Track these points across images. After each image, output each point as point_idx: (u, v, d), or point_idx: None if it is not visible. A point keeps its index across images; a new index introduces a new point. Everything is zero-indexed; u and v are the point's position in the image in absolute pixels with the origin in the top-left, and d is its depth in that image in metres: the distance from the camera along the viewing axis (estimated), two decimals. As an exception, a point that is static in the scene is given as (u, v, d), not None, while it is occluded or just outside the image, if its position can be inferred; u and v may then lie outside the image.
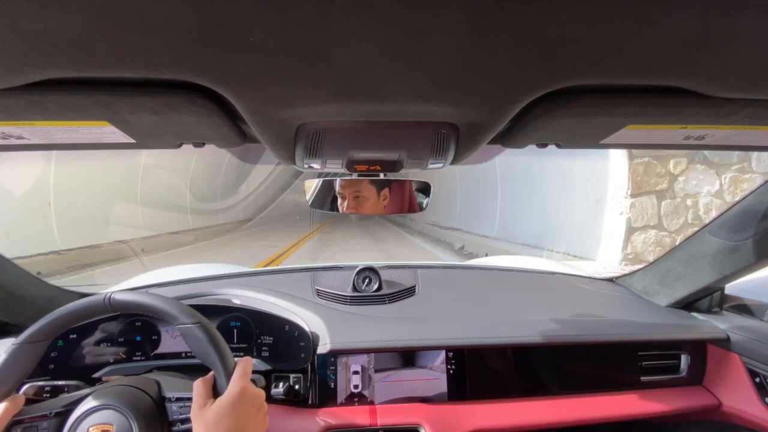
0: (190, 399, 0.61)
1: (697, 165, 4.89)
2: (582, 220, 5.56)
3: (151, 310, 0.65)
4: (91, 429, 0.59)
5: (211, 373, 0.63)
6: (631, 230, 4.84)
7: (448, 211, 11.10)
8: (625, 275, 1.26)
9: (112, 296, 0.64)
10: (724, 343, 0.98)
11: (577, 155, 5.31)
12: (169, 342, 0.92)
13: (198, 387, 0.61)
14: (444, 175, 10.92)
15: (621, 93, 0.43)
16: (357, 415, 0.89)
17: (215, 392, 0.61)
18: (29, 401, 0.64)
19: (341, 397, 0.91)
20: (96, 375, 0.87)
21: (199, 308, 0.68)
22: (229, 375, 0.61)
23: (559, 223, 6.15)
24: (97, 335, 0.89)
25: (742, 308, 1.07)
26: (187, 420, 0.62)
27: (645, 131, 0.53)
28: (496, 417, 0.91)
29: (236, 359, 0.64)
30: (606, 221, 5.11)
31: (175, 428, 0.63)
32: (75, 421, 0.60)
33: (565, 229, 5.94)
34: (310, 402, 0.90)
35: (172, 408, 0.64)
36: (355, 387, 0.92)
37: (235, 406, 0.58)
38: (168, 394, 0.65)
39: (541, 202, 6.77)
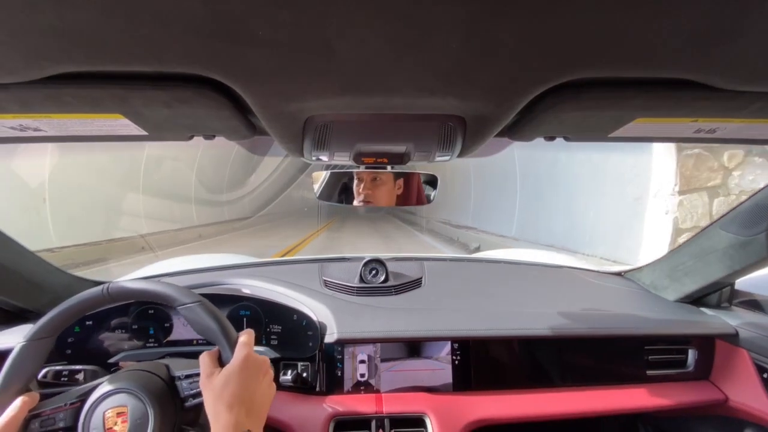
0: (198, 374, 0.63)
1: (755, 158, 4.07)
2: (618, 220, 4.87)
3: (149, 295, 0.67)
4: (107, 412, 0.61)
5: (217, 347, 0.65)
6: (678, 231, 4.09)
7: (461, 208, 10.38)
8: (634, 269, 1.25)
9: (110, 287, 0.67)
10: (732, 338, 0.97)
11: (613, 148, 4.70)
12: (181, 330, 0.94)
13: (204, 359, 0.63)
14: (457, 171, 10.41)
15: (630, 86, 0.42)
16: (363, 403, 0.90)
17: (221, 363, 0.63)
18: (46, 385, 0.66)
19: (348, 385, 0.93)
20: (111, 360, 0.90)
21: (208, 297, 0.69)
22: (232, 346, 0.63)
23: (590, 224, 5.40)
24: (112, 323, 0.92)
25: (753, 304, 1.06)
26: (198, 394, 0.64)
27: (655, 124, 0.52)
28: (501, 408, 0.92)
29: (239, 332, 0.66)
30: (648, 222, 4.41)
31: (187, 403, 0.65)
32: (90, 406, 0.62)
33: (597, 230, 5.24)
34: (317, 389, 0.92)
35: (183, 385, 0.66)
36: (362, 376, 0.94)
37: (241, 371, 0.60)
38: (177, 373, 0.68)
39: (567, 200, 5.93)
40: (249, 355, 0.62)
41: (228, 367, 0.61)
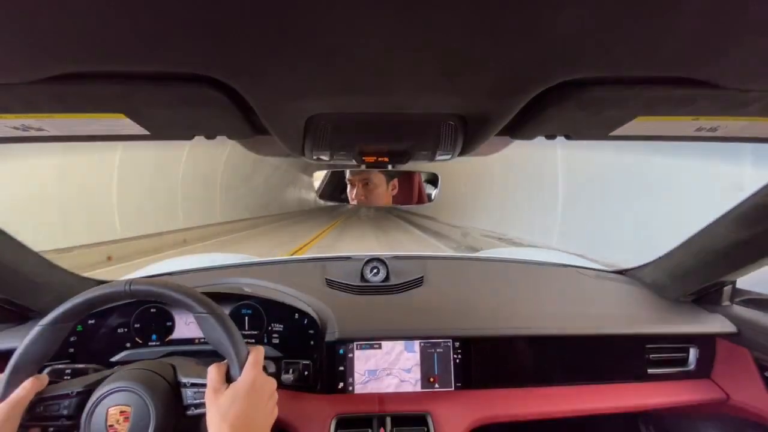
0: (204, 385, 0.63)
1: None
2: None
3: (168, 298, 0.67)
4: (110, 410, 0.61)
5: (225, 360, 0.65)
6: None
7: (537, 215, 6.36)
8: (635, 268, 1.25)
9: (132, 283, 0.67)
10: (734, 337, 0.97)
11: None
12: (183, 328, 0.95)
13: (212, 373, 0.63)
14: (512, 164, 7.04)
15: (631, 84, 0.43)
16: (365, 402, 0.91)
17: (228, 379, 0.63)
18: (51, 382, 0.66)
19: (349, 383, 0.93)
20: (113, 359, 0.90)
21: (212, 296, 0.70)
22: (242, 363, 0.63)
23: None
24: (114, 321, 0.92)
25: (754, 302, 1.06)
26: (201, 404, 0.64)
27: (656, 123, 0.53)
28: (503, 406, 0.92)
29: (249, 347, 0.66)
30: None
31: (189, 412, 0.66)
32: (95, 401, 0.62)
33: None
34: (319, 388, 0.93)
35: (187, 393, 0.67)
36: (363, 374, 0.94)
37: (247, 393, 0.60)
38: (183, 380, 0.68)
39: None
40: (257, 377, 0.63)
41: (236, 386, 0.61)
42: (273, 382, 0.66)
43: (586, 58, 0.35)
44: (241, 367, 0.63)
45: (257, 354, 0.66)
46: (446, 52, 0.34)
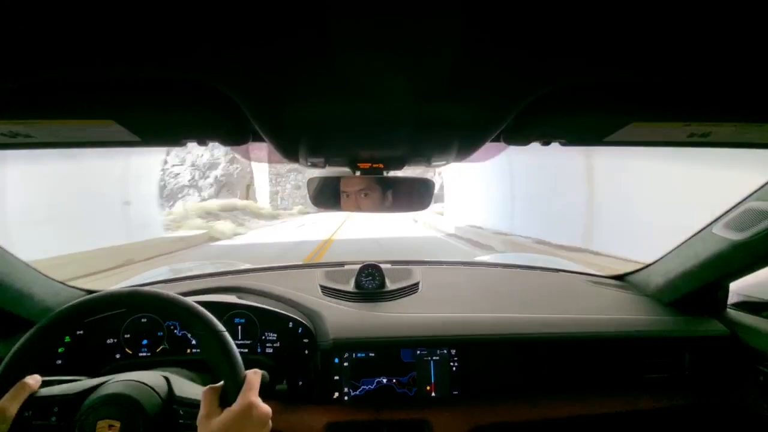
0: (197, 404, 0.61)
1: None
2: None
3: (169, 311, 0.65)
4: (100, 422, 0.59)
5: (221, 382, 0.62)
6: None
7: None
8: (629, 273, 1.25)
9: (136, 292, 0.65)
10: (728, 341, 0.97)
11: None
12: (174, 338, 0.93)
13: (206, 395, 0.60)
14: None
15: (625, 90, 0.43)
16: (361, 409, 0.89)
17: (223, 402, 0.60)
18: (43, 385, 0.64)
19: (345, 391, 0.92)
20: (103, 370, 0.88)
21: (204, 304, 0.68)
22: (238, 387, 0.61)
23: None
24: (104, 331, 0.90)
25: (748, 306, 1.06)
26: (192, 426, 0.62)
27: (649, 128, 0.53)
28: (499, 412, 0.91)
29: (246, 371, 0.64)
30: None
31: (180, 431, 0.64)
32: (84, 411, 0.60)
33: None
34: (313, 398, 0.91)
35: (179, 412, 0.64)
36: (359, 382, 0.93)
37: (241, 421, 0.58)
38: (177, 396, 0.65)
39: None
40: (252, 404, 0.60)
41: (229, 413, 0.58)
42: (268, 411, 0.62)
43: (579, 64, 0.35)
44: (237, 391, 0.60)
45: (254, 379, 0.63)
46: (441, 60, 0.34)
